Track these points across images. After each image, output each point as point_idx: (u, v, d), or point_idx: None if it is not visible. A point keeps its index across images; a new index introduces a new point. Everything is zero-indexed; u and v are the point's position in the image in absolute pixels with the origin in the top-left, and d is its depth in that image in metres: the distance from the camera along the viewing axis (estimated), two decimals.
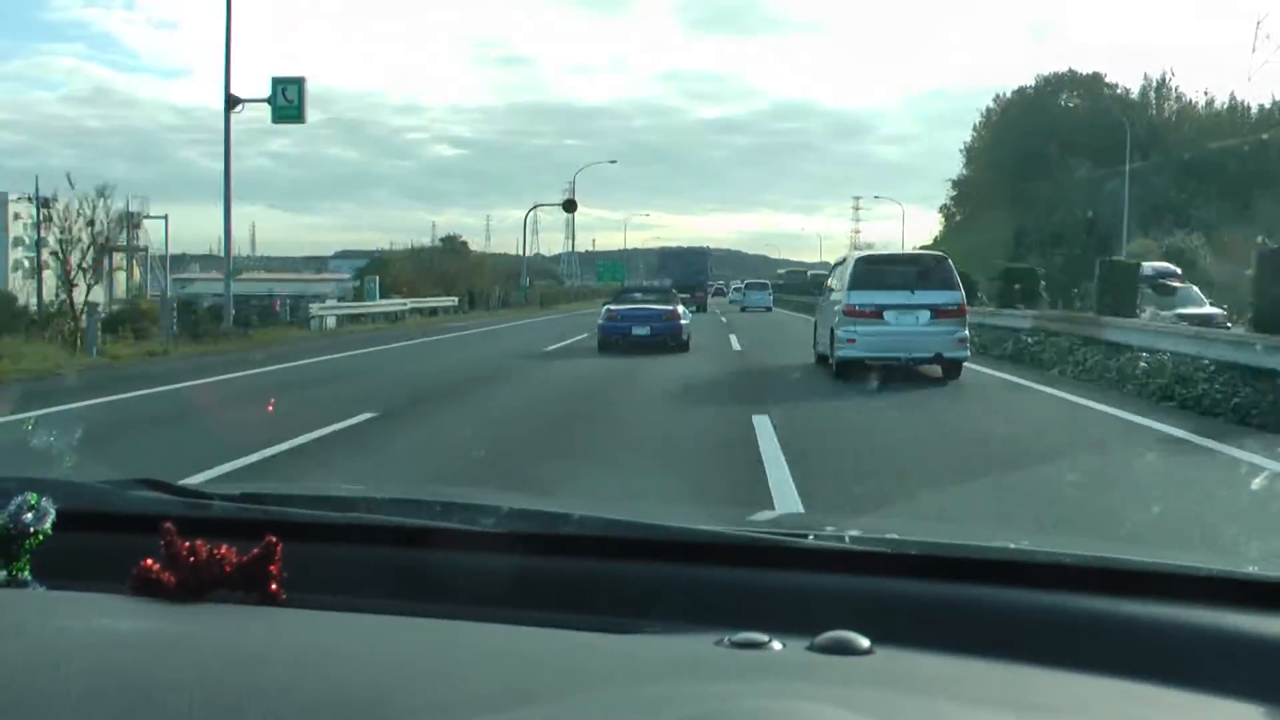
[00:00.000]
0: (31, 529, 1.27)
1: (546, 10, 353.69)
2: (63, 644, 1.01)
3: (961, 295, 13.85)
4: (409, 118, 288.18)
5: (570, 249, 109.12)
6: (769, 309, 48.31)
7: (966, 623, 1.16)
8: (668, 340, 19.16)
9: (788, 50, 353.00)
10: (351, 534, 1.36)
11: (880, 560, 1.29)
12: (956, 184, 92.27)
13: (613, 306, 20.64)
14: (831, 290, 15.06)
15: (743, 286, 58.93)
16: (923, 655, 1.06)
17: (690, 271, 51.38)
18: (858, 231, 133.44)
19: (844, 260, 15.56)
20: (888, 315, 13.32)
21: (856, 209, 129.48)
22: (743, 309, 47.40)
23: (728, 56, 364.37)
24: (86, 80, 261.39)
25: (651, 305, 20.25)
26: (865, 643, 1.03)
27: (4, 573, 1.25)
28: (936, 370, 13.53)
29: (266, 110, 26.52)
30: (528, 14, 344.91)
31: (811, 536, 1.32)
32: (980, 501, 6.37)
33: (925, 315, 13.35)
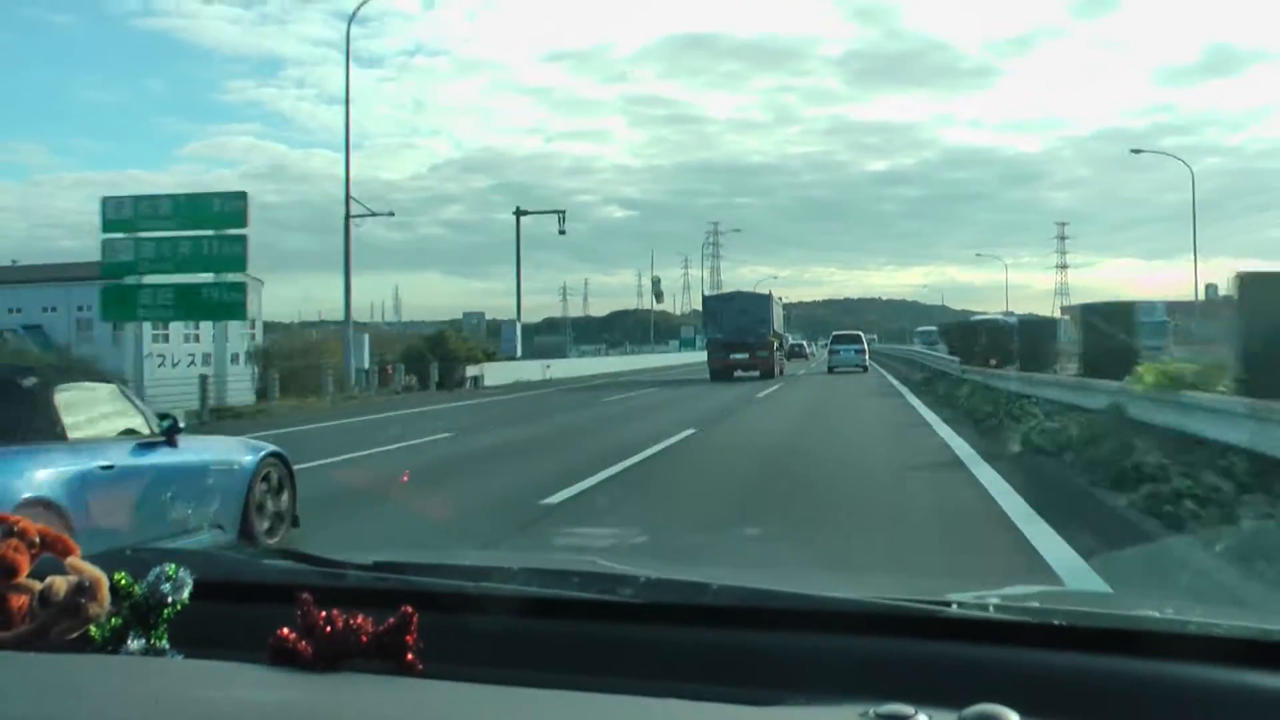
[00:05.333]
0: (169, 599, 1.28)
1: (709, 68, 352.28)
2: (204, 713, 1.01)
3: (864, 344, 45.81)
4: (578, 180, 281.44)
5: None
6: (863, 368, 42.69)
7: (1114, 696, 1.12)
8: None
9: (955, 99, 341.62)
10: (488, 604, 1.35)
11: (1024, 630, 1.25)
12: None
13: None
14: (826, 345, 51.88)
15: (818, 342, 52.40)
16: None
17: (747, 323, 35.28)
18: (1064, 267, 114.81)
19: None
20: (841, 351, 44.15)
21: (1062, 237, 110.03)
22: (830, 369, 42.45)
23: (894, 107, 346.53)
24: (263, 157, 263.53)
25: None
26: (1014, 717, 0.99)
27: (142, 641, 1.27)
28: (860, 370, 42.40)
29: (440, 178, 28.00)
30: (692, 71, 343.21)
31: (955, 605, 1.28)
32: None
33: (853, 351, 43.90)
